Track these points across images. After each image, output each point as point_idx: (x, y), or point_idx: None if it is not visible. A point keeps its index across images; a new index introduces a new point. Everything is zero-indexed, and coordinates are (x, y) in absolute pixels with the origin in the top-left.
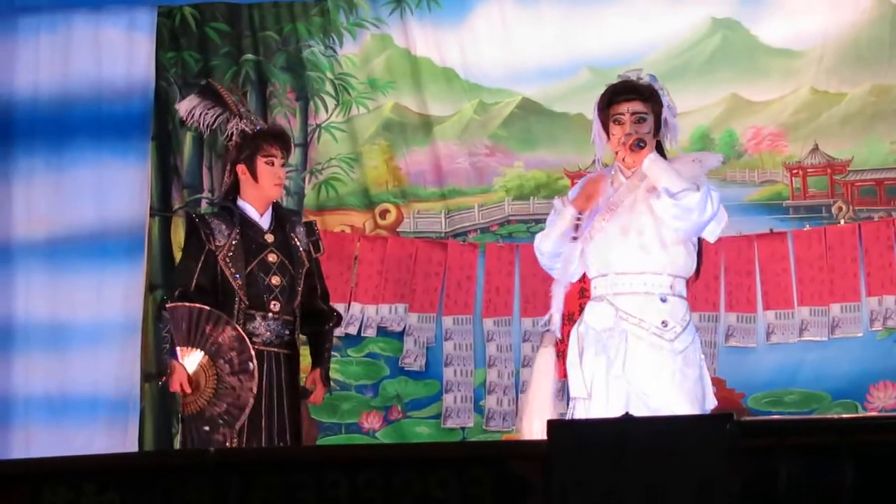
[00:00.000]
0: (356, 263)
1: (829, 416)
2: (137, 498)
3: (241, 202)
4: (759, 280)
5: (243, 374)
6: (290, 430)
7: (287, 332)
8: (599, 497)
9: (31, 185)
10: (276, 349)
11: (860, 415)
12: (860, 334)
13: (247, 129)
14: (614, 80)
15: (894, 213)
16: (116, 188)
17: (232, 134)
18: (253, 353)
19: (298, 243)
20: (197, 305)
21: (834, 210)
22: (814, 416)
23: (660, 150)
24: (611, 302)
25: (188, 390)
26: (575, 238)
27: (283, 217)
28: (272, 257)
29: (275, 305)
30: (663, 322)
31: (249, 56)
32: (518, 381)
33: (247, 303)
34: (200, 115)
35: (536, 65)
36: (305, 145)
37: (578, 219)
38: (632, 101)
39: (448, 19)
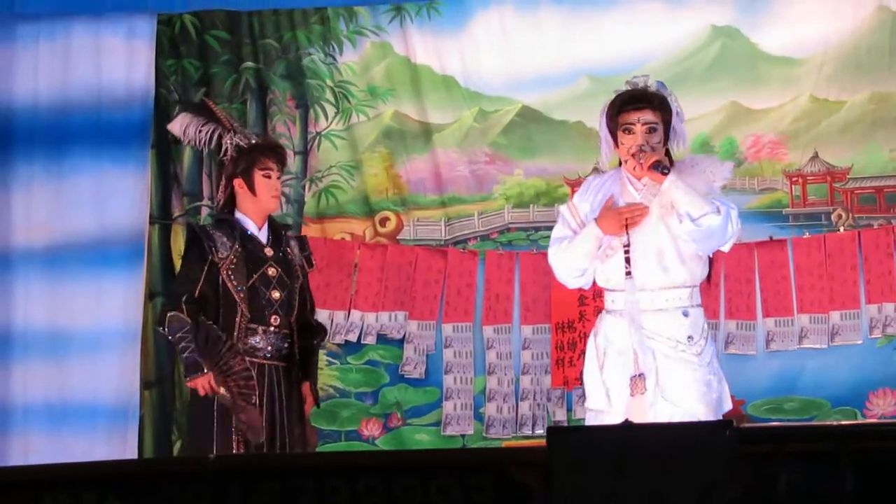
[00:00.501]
0: (356, 271)
1: (828, 422)
2: None
3: (239, 216)
4: (758, 287)
5: (248, 403)
6: (290, 441)
7: (286, 345)
8: None
9: (30, 192)
10: (276, 362)
11: (859, 421)
12: (860, 342)
13: (241, 143)
14: (614, 89)
15: (894, 220)
16: (116, 196)
17: (227, 149)
18: (255, 387)
19: (294, 257)
20: (220, 334)
21: (833, 218)
22: (813, 423)
23: (668, 156)
24: (633, 319)
25: (219, 390)
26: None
27: (277, 231)
28: (272, 271)
29: (275, 320)
30: (689, 337)
31: (249, 64)
32: (518, 389)
33: (248, 316)
34: (195, 132)
35: (536, 73)
36: (305, 153)
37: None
38: (642, 110)
39: (448, 27)
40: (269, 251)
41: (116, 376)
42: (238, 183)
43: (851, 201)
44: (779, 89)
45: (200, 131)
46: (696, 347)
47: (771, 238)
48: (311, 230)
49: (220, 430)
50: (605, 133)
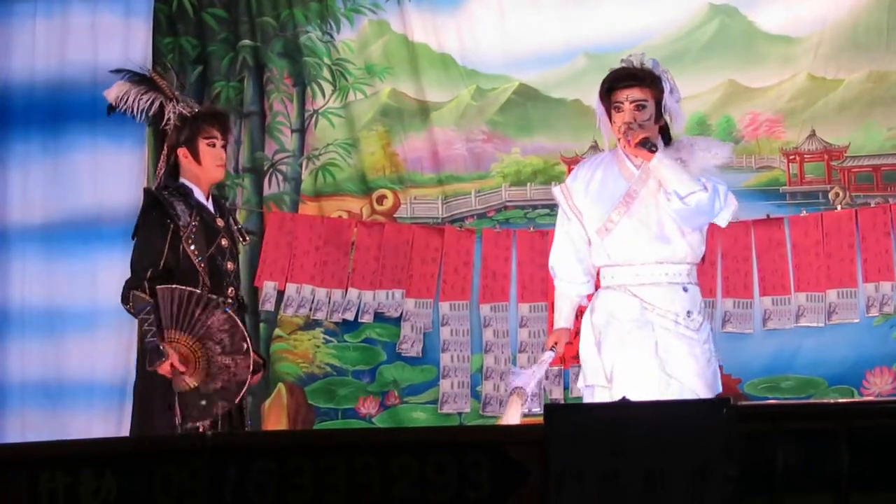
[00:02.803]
0: (353, 249)
1: (825, 401)
2: (135, 482)
3: (189, 184)
4: (755, 266)
5: (237, 355)
6: (241, 411)
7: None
8: (597, 481)
9: (27, 170)
10: None
11: (856, 399)
12: (857, 320)
13: (184, 111)
14: (611, 66)
15: (891, 199)
16: (113, 173)
17: (170, 118)
18: (245, 333)
19: (235, 229)
20: (187, 289)
21: (831, 196)
22: (810, 401)
23: (666, 133)
24: (634, 293)
25: (181, 368)
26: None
27: (219, 202)
28: (225, 242)
29: (231, 291)
30: (688, 312)
31: (247, 42)
32: (515, 367)
33: (209, 286)
34: (134, 100)
35: (533, 51)
36: (303, 131)
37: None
38: (631, 87)
39: (445, 5)
40: (220, 222)
41: (113, 354)
42: (182, 153)
43: (849, 180)
44: (776, 68)
45: (140, 99)
46: (694, 323)
47: (768, 216)
48: (308, 208)
49: (181, 409)
50: (601, 113)
